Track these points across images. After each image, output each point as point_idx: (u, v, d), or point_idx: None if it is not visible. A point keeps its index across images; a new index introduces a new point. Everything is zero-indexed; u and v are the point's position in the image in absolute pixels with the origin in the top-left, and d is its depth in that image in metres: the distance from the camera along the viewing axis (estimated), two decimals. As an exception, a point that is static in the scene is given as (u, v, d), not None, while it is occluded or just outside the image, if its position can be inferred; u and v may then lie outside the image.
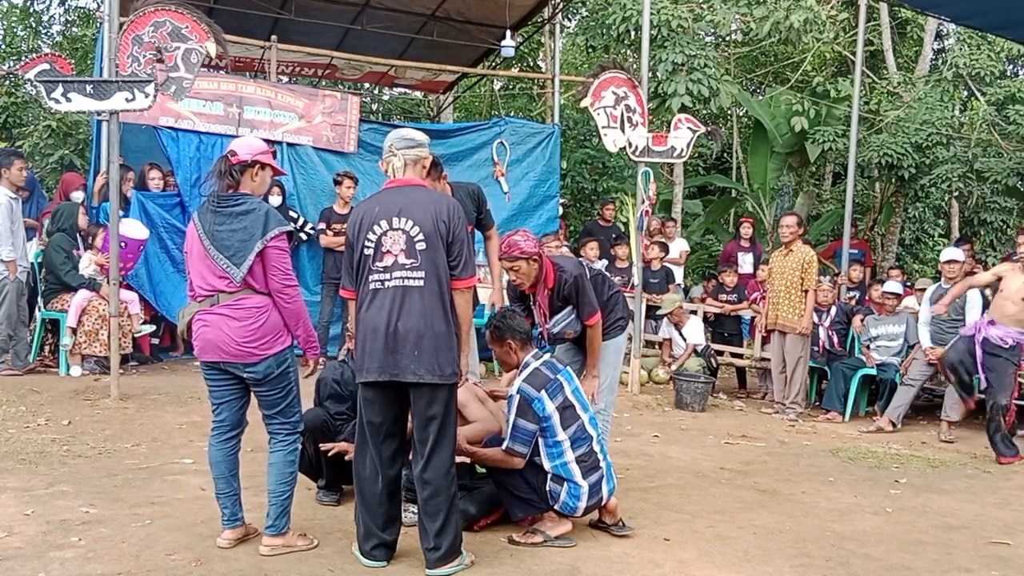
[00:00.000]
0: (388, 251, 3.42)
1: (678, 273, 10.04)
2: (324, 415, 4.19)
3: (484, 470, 3.91)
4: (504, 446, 3.74)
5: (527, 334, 3.96)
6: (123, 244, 6.92)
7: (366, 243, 3.45)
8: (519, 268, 4.14)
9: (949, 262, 7.20)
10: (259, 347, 3.41)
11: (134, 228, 7.23)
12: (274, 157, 3.77)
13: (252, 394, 3.60)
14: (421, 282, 3.38)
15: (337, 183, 8.17)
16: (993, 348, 5.97)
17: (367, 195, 8.73)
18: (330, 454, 4.06)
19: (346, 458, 4.10)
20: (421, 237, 3.41)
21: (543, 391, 3.75)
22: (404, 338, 3.31)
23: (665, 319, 8.68)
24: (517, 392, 3.77)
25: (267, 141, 8.42)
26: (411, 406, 3.43)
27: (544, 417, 3.73)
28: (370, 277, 3.43)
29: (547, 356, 3.94)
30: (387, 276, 3.40)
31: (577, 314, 4.29)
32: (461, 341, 3.47)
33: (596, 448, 3.87)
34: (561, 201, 10.45)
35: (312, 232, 8.27)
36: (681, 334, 8.51)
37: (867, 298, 8.58)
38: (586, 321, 4.31)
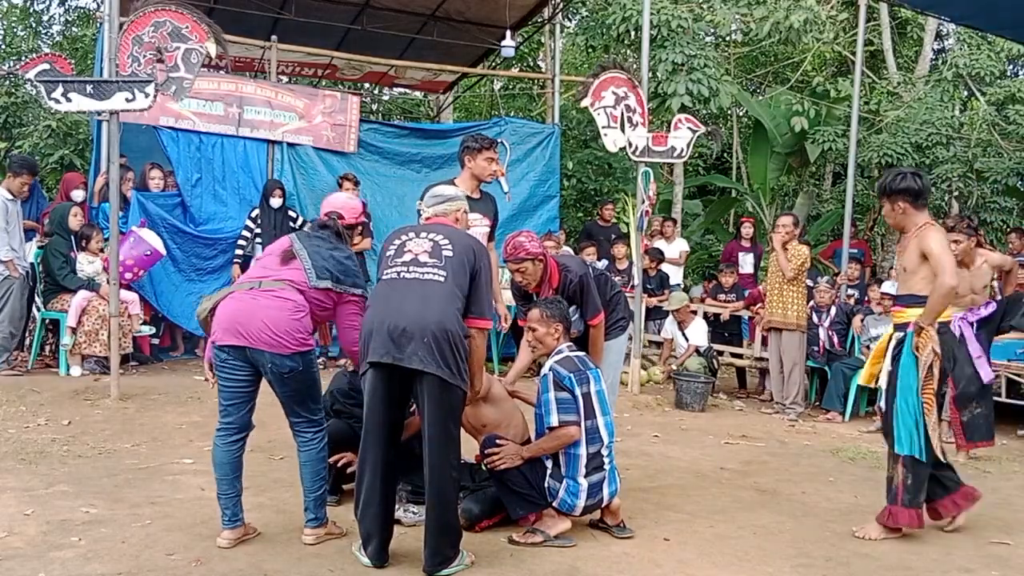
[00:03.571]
0: (410, 250, 3.48)
1: (678, 273, 10.04)
2: (343, 425, 4.20)
3: (487, 471, 3.91)
4: (557, 421, 3.76)
5: (571, 324, 4.04)
6: (148, 253, 7.00)
7: (390, 247, 3.54)
8: (525, 269, 4.16)
9: None
10: (293, 341, 3.41)
11: (155, 240, 7.28)
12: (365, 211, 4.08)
13: (257, 397, 3.60)
14: (442, 279, 3.39)
15: (338, 184, 8.20)
16: (985, 320, 5.86)
17: (369, 196, 8.87)
18: (339, 463, 4.12)
19: (348, 471, 4.16)
20: (449, 248, 3.46)
21: (573, 374, 3.81)
22: (415, 326, 3.26)
23: (670, 317, 8.70)
24: (549, 370, 3.84)
25: (267, 141, 8.48)
26: (416, 403, 3.42)
27: (574, 394, 3.78)
28: (386, 271, 3.47)
29: (582, 353, 4.01)
30: (404, 269, 3.43)
31: (581, 314, 4.29)
32: (472, 375, 3.50)
33: (604, 452, 3.88)
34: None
35: (312, 232, 8.28)
36: (684, 334, 8.52)
37: (867, 298, 8.57)
38: (590, 321, 4.31)
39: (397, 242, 3.54)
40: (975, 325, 5.81)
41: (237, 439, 3.57)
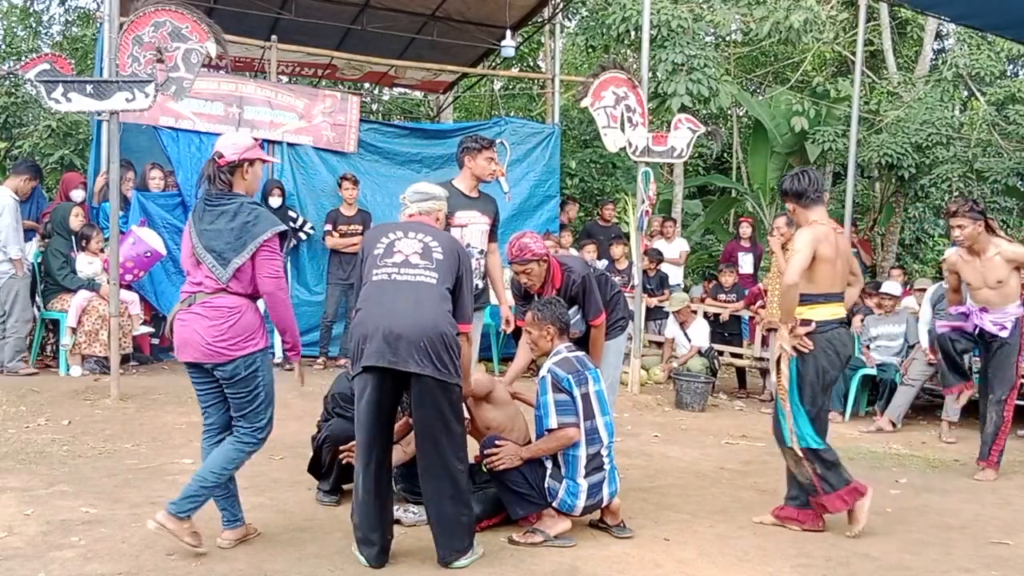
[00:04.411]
0: (400, 251, 3.45)
1: (678, 273, 10.03)
2: (348, 426, 4.18)
3: (487, 471, 3.91)
4: (556, 423, 3.76)
5: (567, 325, 4.02)
6: (148, 254, 7.01)
7: (377, 245, 3.50)
8: (531, 271, 4.17)
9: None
10: (228, 347, 3.39)
11: (154, 240, 7.30)
12: (261, 148, 3.78)
13: None
14: (434, 281, 3.40)
15: (338, 184, 8.21)
16: (991, 337, 5.49)
17: (369, 196, 8.87)
18: (344, 460, 4.07)
19: (343, 461, 4.12)
20: (440, 251, 3.46)
21: (571, 375, 3.80)
22: (411, 331, 3.27)
23: (671, 318, 8.69)
24: (548, 372, 3.83)
25: (267, 141, 8.47)
26: (411, 404, 3.42)
27: (573, 396, 3.78)
28: (375, 272, 3.44)
29: (580, 353, 4.00)
30: (395, 271, 3.41)
31: (583, 314, 4.29)
32: (463, 376, 3.48)
33: (604, 453, 3.88)
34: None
35: (312, 232, 8.28)
36: (686, 334, 8.52)
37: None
38: (591, 321, 4.32)
39: (384, 241, 3.51)
40: (976, 330, 5.48)
41: (221, 439, 3.57)
